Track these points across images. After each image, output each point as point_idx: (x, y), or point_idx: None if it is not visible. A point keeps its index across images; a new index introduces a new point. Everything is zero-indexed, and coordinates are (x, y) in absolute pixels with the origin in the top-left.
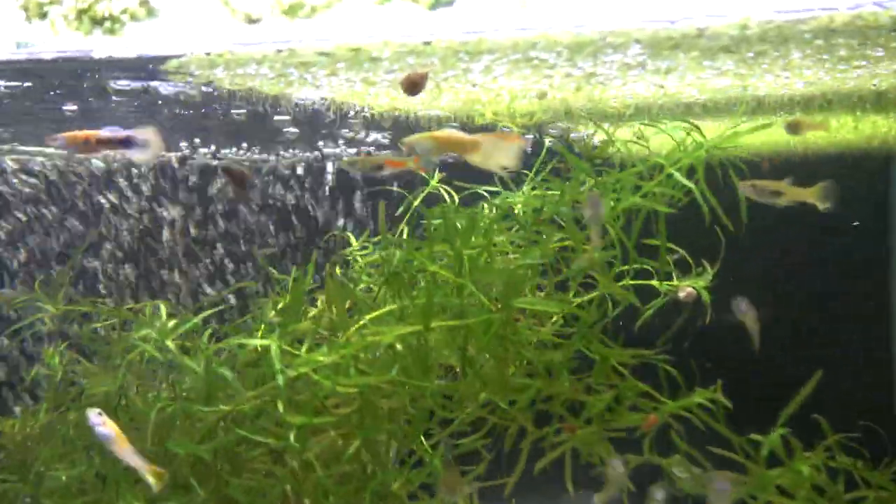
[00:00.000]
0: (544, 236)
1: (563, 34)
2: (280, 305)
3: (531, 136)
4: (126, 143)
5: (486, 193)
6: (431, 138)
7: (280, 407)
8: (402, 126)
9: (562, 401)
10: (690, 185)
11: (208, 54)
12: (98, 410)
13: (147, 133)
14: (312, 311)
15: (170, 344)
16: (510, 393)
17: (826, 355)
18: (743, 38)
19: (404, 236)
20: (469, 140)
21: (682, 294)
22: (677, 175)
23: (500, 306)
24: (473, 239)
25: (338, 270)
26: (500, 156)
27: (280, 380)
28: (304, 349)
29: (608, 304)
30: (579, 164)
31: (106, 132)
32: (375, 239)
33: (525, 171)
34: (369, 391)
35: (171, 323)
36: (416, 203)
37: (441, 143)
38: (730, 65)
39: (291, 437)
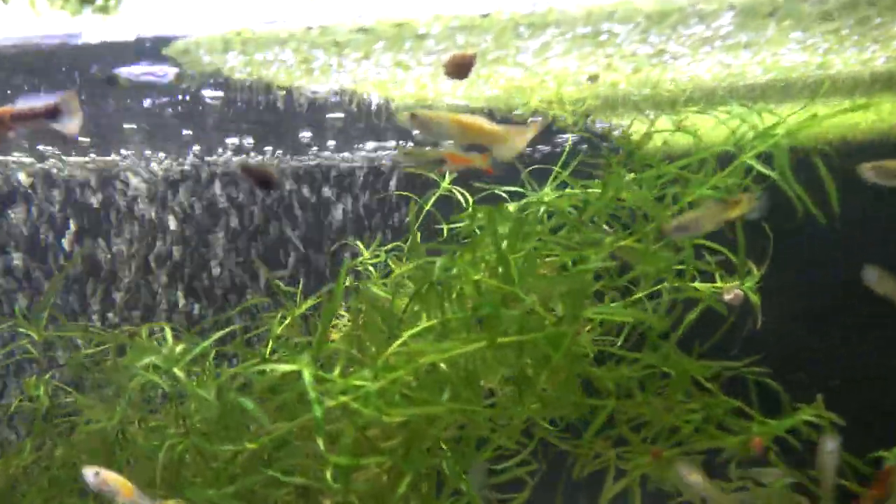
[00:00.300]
0: (601, 237)
1: (647, 1)
2: (287, 321)
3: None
4: (51, 114)
5: (503, 194)
6: (455, 122)
7: (320, 444)
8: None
9: (631, 421)
10: (770, 173)
11: (223, 34)
12: (95, 469)
13: (70, 98)
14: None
15: (178, 372)
16: (578, 415)
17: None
18: (852, 2)
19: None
20: (495, 130)
21: (728, 296)
22: (754, 163)
23: (562, 317)
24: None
25: (349, 281)
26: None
27: (318, 411)
28: (336, 373)
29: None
30: (651, 160)
31: (23, 104)
32: (387, 247)
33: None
34: (416, 419)
35: (179, 348)
36: (427, 206)
37: (464, 129)
38: (817, 37)
39: (328, 476)
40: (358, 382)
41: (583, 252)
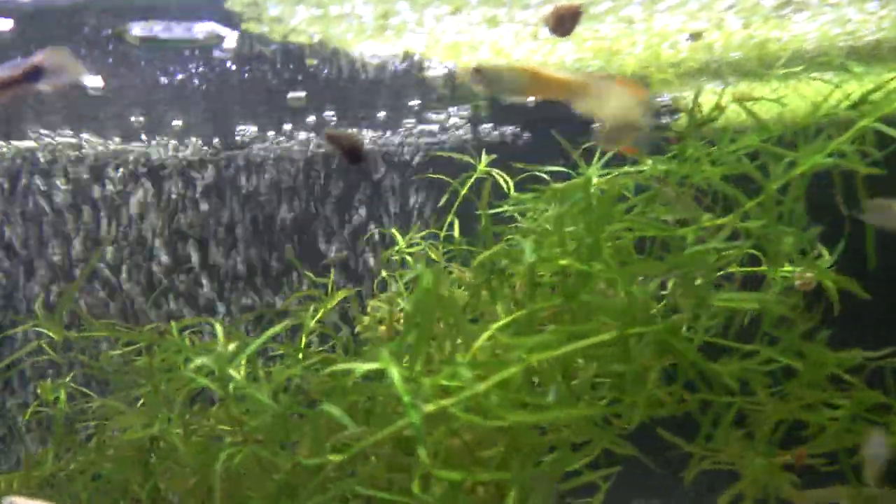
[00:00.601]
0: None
1: None
2: (320, 315)
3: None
4: (33, 76)
5: (546, 176)
6: (528, 73)
7: (423, 455)
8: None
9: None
10: None
11: None
12: (10, 499)
13: (57, 56)
14: (365, 321)
15: (234, 373)
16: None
17: None
18: None
19: (455, 230)
20: (577, 81)
21: (798, 282)
22: (883, 127)
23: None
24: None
25: (385, 274)
26: (619, 105)
27: (415, 417)
28: (416, 369)
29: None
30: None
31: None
32: (421, 234)
33: None
34: (519, 424)
35: (232, 346)
36: (464, 191)
37: (538, 82)
38: None
39: (416, 489)
40: (455, 383)
41: (675, 232)
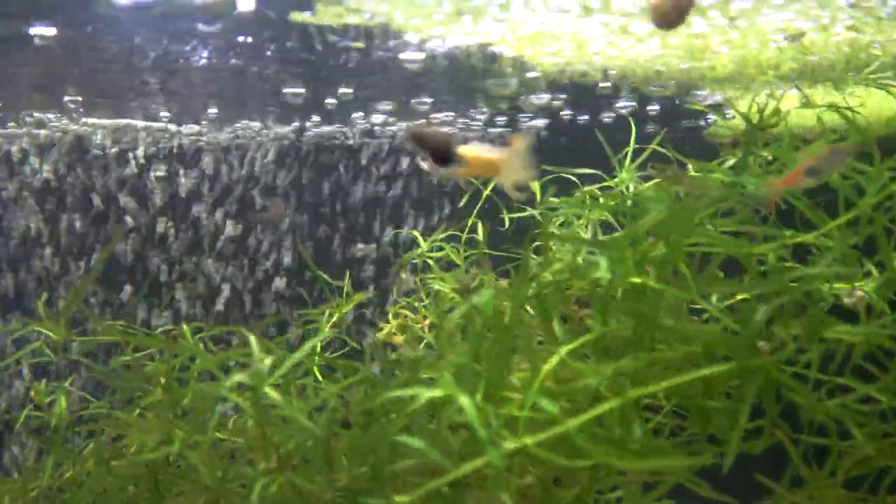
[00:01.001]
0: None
1: None
2: (336, 318)
3: None
4: None
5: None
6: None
7: (507, 500)
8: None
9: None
10: None
11: None
12: None
13: None
14: (386, 329)
15: (271, 392)
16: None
17: None
18: None
19: (479, 233)
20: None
21: (848, 299)
22: None
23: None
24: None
25: (405, 277)
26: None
27: (495, 456)
28: (478, 398)
29: None
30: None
31: None
32: (442, 235)
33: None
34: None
35: (268, 360)
36: (486, 191)
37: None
38: None
39: None
40: (527, 413)
41: (754, 249)
